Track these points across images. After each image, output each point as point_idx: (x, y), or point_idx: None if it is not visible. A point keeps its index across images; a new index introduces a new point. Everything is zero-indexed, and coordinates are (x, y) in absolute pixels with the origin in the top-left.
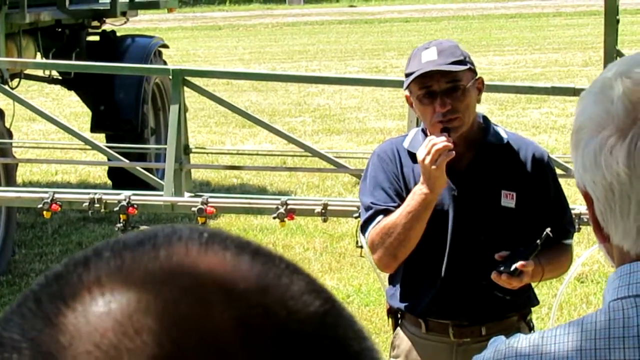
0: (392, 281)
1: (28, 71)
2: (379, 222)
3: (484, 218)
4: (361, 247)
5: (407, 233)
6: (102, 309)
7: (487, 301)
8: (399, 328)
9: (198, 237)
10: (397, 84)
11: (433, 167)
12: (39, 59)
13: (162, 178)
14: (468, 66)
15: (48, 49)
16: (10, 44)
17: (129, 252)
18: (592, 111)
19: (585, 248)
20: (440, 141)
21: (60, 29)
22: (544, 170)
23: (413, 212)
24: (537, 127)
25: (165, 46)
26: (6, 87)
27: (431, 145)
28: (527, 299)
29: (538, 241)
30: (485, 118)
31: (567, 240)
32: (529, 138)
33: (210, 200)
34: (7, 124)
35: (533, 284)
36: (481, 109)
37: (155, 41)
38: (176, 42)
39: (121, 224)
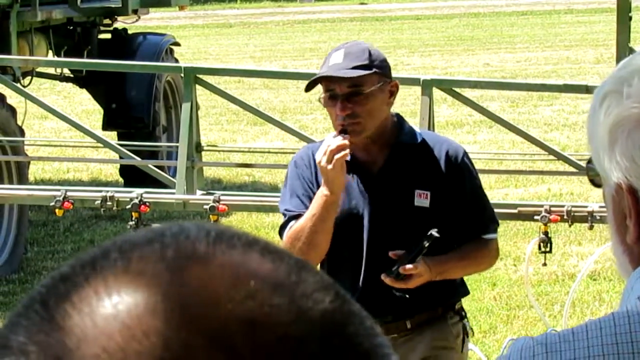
0: None
1: (40, 69)
2: (291, 227)
3: (398, 218)
4: None
5: (313, 236)
6: (109, 311)
7: (411, 295)
8: None
9: (206, 236)
10: (408, 81)
11: (329, 167)
12: (50, 57)
13: (174, 176)
14: (372, 71)
15: (60, 46)
16: (22, 42)
17: (136, 252)
18: (630, 101)
19: (598, 246)
20: (335, 142)
21: (72, 27)
22: (458, 168)
23: (317, 214)
24: (549, 124)
25: (177, 44)
26: (18, 85)
27: (326, 147)
28: (449, 292)
29: (425, 243)
30: (399, 117)
31: (488, 235)
32: (444, 136)
33: (222, 198)
34: (19, 122)
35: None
36: (492, 106)
37: (167, 39)
38: (187, 40)
39: (133, 222)
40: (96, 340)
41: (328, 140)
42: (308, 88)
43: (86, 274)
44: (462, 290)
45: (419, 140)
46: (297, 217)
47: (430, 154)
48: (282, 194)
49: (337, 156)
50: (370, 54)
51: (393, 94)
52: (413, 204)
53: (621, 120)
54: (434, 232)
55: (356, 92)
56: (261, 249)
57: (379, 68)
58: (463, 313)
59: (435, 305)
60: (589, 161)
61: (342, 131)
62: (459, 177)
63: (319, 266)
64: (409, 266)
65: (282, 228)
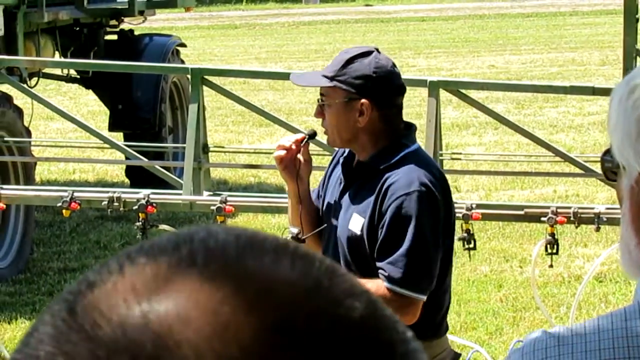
0: None
1: (46, 70)
2: None
3: (338, 234)
4: None
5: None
6: (139, 320)
7: None
8: None
9: (235, 240)
10: (413, 82)
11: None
12: (57, 57)
13: (179, 177)
14: (332, 84)
15: (66, 47)
16: (29, 43)
17: (164, 257)
18: None
19: (604, 248)
20: (283, 140)
21: (78, 28)
22: (394, 204)
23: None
24: (555, 126)
25: (183, 45)
26: (25, 85)
27: (280, 142)
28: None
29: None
30: (398, 134)
31: (390, 285)
32: (414, 171)
33: (229, 199)
34: (25, 123)
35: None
36: (497, 108)
37: (173, 40)
38: (193, 41)
39: (140, 223)
40: (126, 350)
41: (287, 136)
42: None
43: (114, 281)
44: (422, 332)
45: (389, 163)
46: None
47: (380, 183)
48: None
49: (275, 153)
50: (343, 66)
51: (362, 113)
52: (347, 226)
53: None
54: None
55: (321, 101)
56: (292, 254)
57: (347, 84)
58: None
59: None
60: (605, 152)
61: (310, 132)
62: (388, 213)
63: None
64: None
65: None
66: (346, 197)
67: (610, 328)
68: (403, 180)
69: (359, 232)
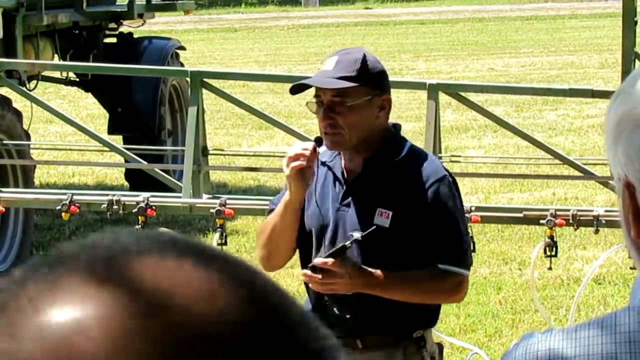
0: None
1: (45, 73)
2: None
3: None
4: None
5: (272, 233)
6: (37, 332)
7: (358, 315)
8: None
9: (137, 245)
10: (413, 85)
11: (286, 172)
12: (56, 60)
13: (179, 180)
14: (358, 83)
15: (65, 50)
16: (28, 46)
17: (64, 266)
18: (635, 102)
19: (603, 250)
20: (296, 150)
21: (77, 31)
22: (428, 191)
23: (278, 213)
24: (554, 129)
25: (182, 48)
26: (24, 88)
27: (290, 152)
28: (404, 319)
29: (346, 243)
30: (396, 129)
31: (445, 266)
32: (434, 157)
33: (228, 201)
34: (25, 126)
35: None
36: (496, 111)
37: (172, 43)
38: (192, 44)
39: (139, 226)
40: None
41: (296, 146)
42: (294, 91)
43: (14, 292)
44: (424, 319)
45: (401, 156)
46: (272, 211)
47: (404, 173)
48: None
49: (293, 164)
50: (362, 65)
51: (384, 108)
52: (372, 221)
53: (625, 119)
54: (356, 234)
55: (340, 102)
56: (196, 257)
57: (369, 81)
58: (422, 343)
59: (385, 329)
60: None
61: (317, 139)
62: (426, 200)
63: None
64: (320, 260)
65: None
66: (356, 196)
67: (600, 333)
68: (430, 169)
69: (387, 225)
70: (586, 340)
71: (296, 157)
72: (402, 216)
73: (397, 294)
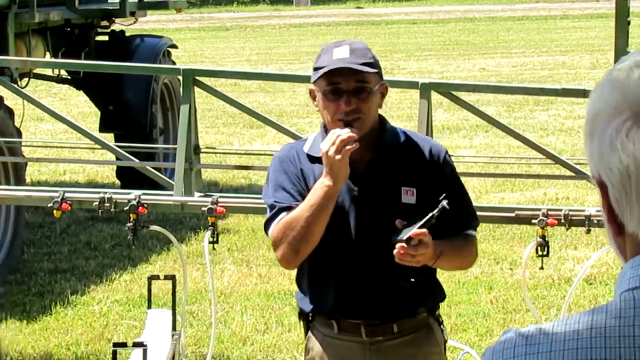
0: (300, 285)
1: (37, 70)
2: (281, 219)
3: (386, 215)
4: None
5: (309, 227)
6: None
7: (395, 299)
8: (310, 331)
9: None
10: (405, 84)
11: (337, 157)
12: (48, 58)
13: (171, 178)
14: (377, 70)
15: (57, 48)
16: (20, 43)
17: None
18: (608, 98)
19: (594, 250)
20: (345, 132)
21: (69, 29)
22: (441, 166)
23: (315, 205)
24: (545, 129)
25: (174, 46)
26: (15, 86)
27: (335, 137)
28: (432, 290)
29: (434, 212)
30: (381, 118)
31: (470, 231)
32: (425, 135)
33: (220, 200)
34: (16, 124)
35: (437, 273)
36: (488, 111)
37: (164, 41)
38: (184, 43)
39: (131, 224)
40: None
41: (336, 131)
42: (316, 79)
43: None
44: (441, 292)
45: (402, 139)
46: (287, 208)
47: (414, 152)
48: (266, 189)
49: (347, 147)
50: (371, 53)
51: (383, 96)
52: (400, 200)
53: (600, 114)
54: (444, 202)
55: (362, 88)
56: None
57: (379, 68)
58: (441, 319)
59: (418, 307)
60: None
61: (347, 124)
62: (442, 174)
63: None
64: (417, 230)
65: (270, 220)
66: (376, 180)
67: (576, 329)
68: (435, 144)
69: (414, 202)
70: (576, 325)
71: (349, 139)
72: (425, 191)
73: (447, 262)
